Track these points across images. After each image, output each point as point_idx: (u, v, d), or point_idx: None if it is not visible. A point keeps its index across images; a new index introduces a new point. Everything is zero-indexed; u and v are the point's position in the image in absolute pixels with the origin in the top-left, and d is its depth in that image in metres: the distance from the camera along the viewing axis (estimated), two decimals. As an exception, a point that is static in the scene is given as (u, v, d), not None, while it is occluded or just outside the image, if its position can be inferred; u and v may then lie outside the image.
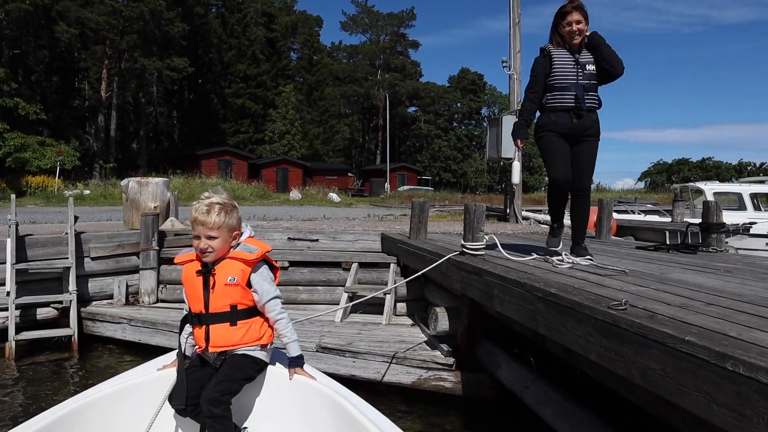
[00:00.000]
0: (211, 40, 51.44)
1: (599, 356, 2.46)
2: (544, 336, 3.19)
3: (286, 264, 6.41)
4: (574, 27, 3.92)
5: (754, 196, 15.56)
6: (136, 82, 45.48)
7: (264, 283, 2.53)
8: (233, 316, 2.49)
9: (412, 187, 47.59)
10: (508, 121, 9.76)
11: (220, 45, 52.59)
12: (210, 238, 2.43)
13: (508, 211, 10.31)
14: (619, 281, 3.25)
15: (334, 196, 28.85)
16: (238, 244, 2.54)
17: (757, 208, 15.35)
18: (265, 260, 2.60)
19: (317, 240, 7.26)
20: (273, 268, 2.66)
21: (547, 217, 11.89)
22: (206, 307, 2.48)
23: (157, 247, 6.35)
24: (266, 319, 2.60)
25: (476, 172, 63.35)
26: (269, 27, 58.28)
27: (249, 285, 2.51)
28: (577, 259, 4.05)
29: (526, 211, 12.98)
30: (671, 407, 2.18)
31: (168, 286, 6.45)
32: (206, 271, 2.48)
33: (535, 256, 4.37)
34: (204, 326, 2.50)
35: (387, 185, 47.22)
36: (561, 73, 3.98)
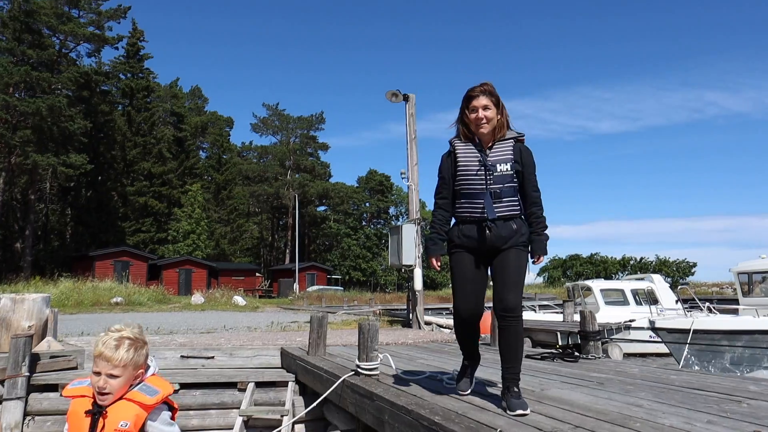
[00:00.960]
0: (115, 137, 50.42)
1: (478, 490, 2.50)
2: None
3: (177, 386, 6.03)
4: (480, 113, 3.28)
5: (635, 292, 16.99)
6: (26, 179, 43.07)
7: (162, 426, 2.37)
8: None
9: (321, 287, 47.22)
10: (408, 230, 10.18)
11: (125, 142, 51.58)
12: (112, 376, 2.26)
13: (411, 316, 10.47)
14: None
15: (239, 300, 27.88)
16: (140, 382, 2.41)
17: (638, 302, 16.72)
18: (165, 402, 2.46)
19: (213, 357, 6.95)
20: (172, 408, 2.52)
21: (449, 321, 12.24)
22: None
23: (27, 373, 5.77)
24: None
25: (386, 271, 64.15)
26: (178, 126, 58.29)
27: (141, 430, 2.33)
28: (517, 411, 3.03)
29: (430, 314, 13.25)
30: None
31: (36, 418, 5.80)
32: (97, 411, 2.27)
33: (428, 373, 4.45)
34: None
35: (296, 285, 46.52)
36: (466, 176, 3.33)
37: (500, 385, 3.38)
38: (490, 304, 3.54)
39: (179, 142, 57.62)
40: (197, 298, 27.45)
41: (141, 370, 2.40)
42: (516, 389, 3.17)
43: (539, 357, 5.74)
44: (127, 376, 2.33)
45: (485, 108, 3.30)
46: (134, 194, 51.32)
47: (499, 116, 3.32)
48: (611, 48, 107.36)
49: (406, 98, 11.01)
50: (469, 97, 3.35)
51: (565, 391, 3.82)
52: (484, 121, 3.29)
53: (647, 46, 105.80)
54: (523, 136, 3.39)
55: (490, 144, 3.34)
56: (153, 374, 2.48)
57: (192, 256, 47.08)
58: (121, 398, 2.32)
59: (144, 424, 2.34)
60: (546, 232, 3.32)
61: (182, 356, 6.74)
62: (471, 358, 3.65)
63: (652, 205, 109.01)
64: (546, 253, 3.29)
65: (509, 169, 3.25)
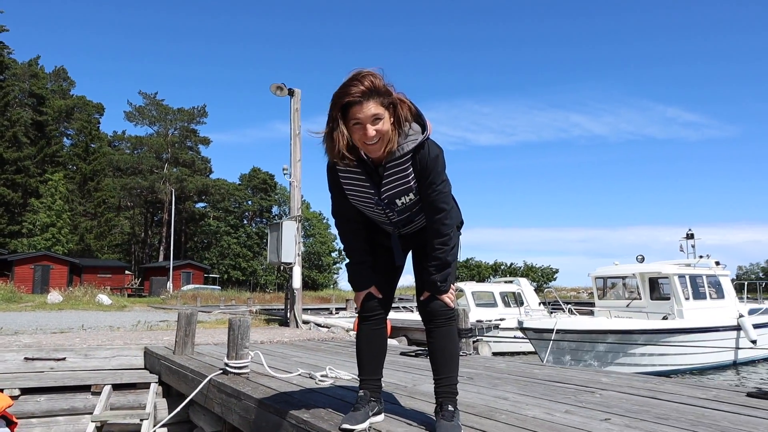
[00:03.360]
0: (-41, 116, 44.65)
1: (345, 487, 2.42)
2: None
3: (17, 392, 5.35)
4: (370, 130, 2.18)
5: (504, 295, 18.06)
6: None
7: None
8: None
9: (197, 286, 45.09)
10: (289, 227, 9.95)
11: (-28, 123, 45.85)
12: None
13: (288, 315, 10.24)
14: (374, 398, 3.31)
15: (103, 298, 25.70)
16: None
17: (507, 304, 17.79)
18: (3, 416, 2.07)
19: (64, 358, 6.26)
20: (11, 423, 2.14)
21: (329, 321, 12.14)
22: None
23: None
24: None
25: (266, 270, 62.75)
26: (38, 109, 52.86)
27: None
28: None
29: (309, 313, 13.07)
30: None
31: None
32: None
33: (300, 372, 4.31)
34: None
35: (169, 284, 43.99)
36: (360, 206, 2.49)
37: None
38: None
39: (39, 126, 52.31)
40: (54, 296, 24.92)
41: None
42: (450, 408, 2.46)
43: (413, 354, 5.82)
44: None
45: (375, 119, 2.18)
46: (-18, 181, 45.78)
47: (392, 120, 2.22)
48: (489, 65, 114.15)
49: (291, 93, 10.77)
50: (346, 105, 2.19)
51: (437, 386, 3.86)
52: (376, 139, 2.21)
53: (520, 66, 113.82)
54: (425, 137, 2.29)
55: (381, 162, 2.32)
56: None
57: (51, 251, 42.84)
58: None
59: None
60: (441, 273, 2.41)
61: (26, 358, 6.00)
62: (369, 383, 2.65)
63: (522, 214, 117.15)
64: (440, 292, 2.44)
65: (413, 197, 2.38)
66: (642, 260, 16.10)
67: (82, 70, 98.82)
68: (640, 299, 15.53)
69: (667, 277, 14.70)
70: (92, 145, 56.89)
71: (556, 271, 62.50)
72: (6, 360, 5.91)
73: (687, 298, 14.38)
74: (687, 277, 14.70)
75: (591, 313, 16.29)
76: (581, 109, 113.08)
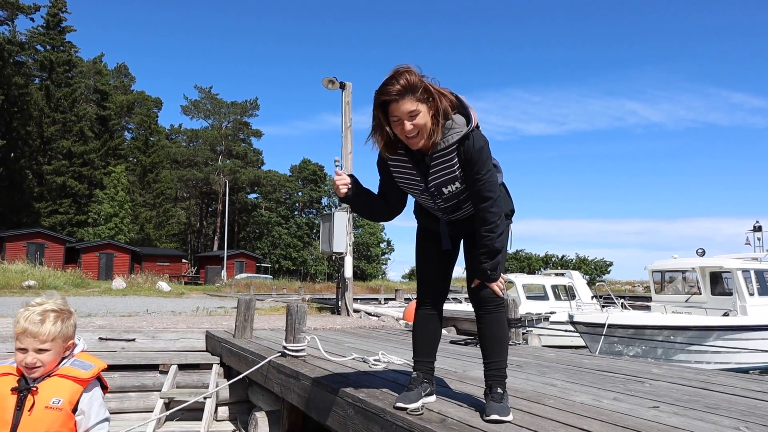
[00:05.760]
0: (31, 112, 47.21)
1: (399, 461, 2.57)
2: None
3: (93, 369, 5.79)
4: (407, 125, 2.34)
5: (554, 288, 17.81)
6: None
7: (95, 404, 2.19)
8: None
9: (250, 275, 46.40)
10: (340, 218, 10.20)
11: (42, 118, 48.44)
12: (40, 351, 2.09)
13: (339, 303, 10.51)
14: (425, 382, 3.46)
15: (163, 285, 26.91)
16: (69, 359, 2.21)
17: (557, 297, 17.54)
18: (98, 378, 2.32)
19: (134, 339, 6.70)
20: (103, 387, 2.39)
21: (379, 310, 12.37)
22: None
23: (-74, 355, 5.37)
24: None
25: (316, 260, 63.82)
26: (102, 105, 55.36)
27: (74, 409, 2.15)
28: (491, 417, 2.43)
29: (359, 303, 13.35)
30: None
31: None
32: (25, 388, 2.08)
33: (354, 356, 4.51)
34: None
35: (224, 273, 45.47)
36: (409, 192, 2.69)
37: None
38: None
39: (103, 121, 54.78)
40: (118, 282, 26.25)
41: (71, 342, 2.26)
42: (499, 390, 2.58)
43: (463, 342, 5.93)
44: (57, 349, 2.17)
45: (411, 115, 2.33)
46: (52, 173, 48.40)
47: (432, 113, 2.37)
48: (540, 54, 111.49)
49: (342, 86, 10.98)
50: (383, 103, 2.36)
51: (486, 372, 3.97)
52: (415, 133, 2.36)
53: (573, 54, 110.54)
54: (469, 129, 2.41)
55: (428, 152, 2.48)
56: (82, 351, 2.35)
57: (114, 240, 45.00)
58: (50, 375, 2.18)
59: (78, 401, 2.19)
60: (491, 261, 2.50)
61: (101, 338, 6.46)
62: (423, 366, 2.83)
63: (574, 205, 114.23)
64: (489, 280, 2.55)
65: (459, 186, 2.51)
66: (703, 254, 15.54)
67: (142, 66, 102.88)
68: (701, 294, 15.01)
69: (729, 272, 14.15)
70: (151, 139, 59.24)
71: (610, 264, 60.68)
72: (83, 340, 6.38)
73: (752, 294, 13.80)
74: (752, 271, 14.08)
75: (647, 307, 15.89)
76: (638, 97, 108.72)
